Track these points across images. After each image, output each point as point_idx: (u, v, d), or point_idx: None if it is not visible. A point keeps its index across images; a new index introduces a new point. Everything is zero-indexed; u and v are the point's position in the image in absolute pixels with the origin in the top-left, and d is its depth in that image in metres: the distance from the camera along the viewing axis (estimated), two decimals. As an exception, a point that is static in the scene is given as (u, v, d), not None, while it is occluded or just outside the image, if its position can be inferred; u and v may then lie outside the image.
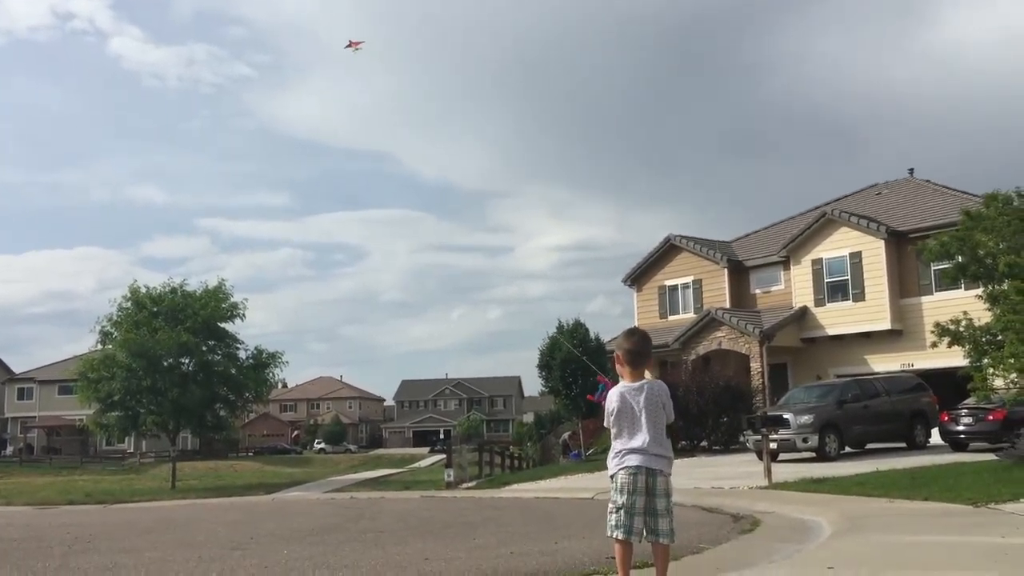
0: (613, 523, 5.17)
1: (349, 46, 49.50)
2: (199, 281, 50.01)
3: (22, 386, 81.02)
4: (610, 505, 5.24)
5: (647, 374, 5.54)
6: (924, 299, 28.76)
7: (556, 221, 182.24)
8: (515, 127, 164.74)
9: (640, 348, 5.42)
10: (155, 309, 38.43)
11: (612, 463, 5.32)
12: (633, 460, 5.18)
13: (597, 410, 35.19)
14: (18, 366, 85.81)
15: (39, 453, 72.24)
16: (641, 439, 5.19)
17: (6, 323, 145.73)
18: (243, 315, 40.00)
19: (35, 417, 78.15)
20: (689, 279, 34.84)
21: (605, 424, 5.51)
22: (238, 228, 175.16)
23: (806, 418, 20.62)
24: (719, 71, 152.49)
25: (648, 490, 5.13)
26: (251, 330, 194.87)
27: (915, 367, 27.38)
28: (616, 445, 5.33)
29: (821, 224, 30.93)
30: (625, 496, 5.13)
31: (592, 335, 38.45)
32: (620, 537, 5.13)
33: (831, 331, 30.48)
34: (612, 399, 5.35)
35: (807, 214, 34.25)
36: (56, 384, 76.05)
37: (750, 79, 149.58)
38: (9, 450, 75.60)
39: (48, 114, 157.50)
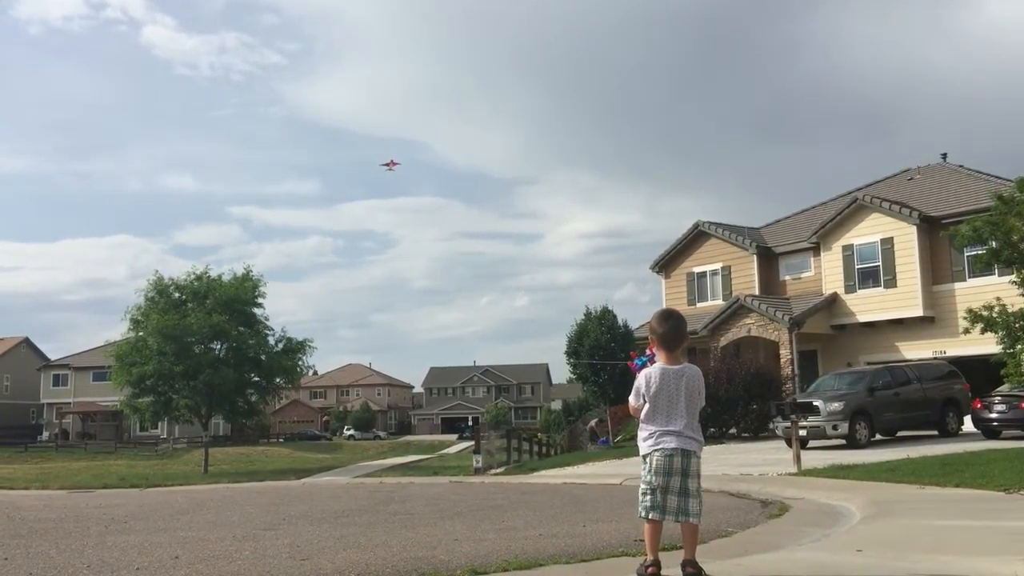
0: (648, 504, 5.15)
1: (386, 164, 52.90)
2: (229, 269, 50.52)
3: (57, 373, 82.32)
4: (643, 486, 5.21)
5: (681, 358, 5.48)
6: (957, 285, 28.46)
7: (585, 208, 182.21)
8: (543, 113, 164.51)
9: (676, 331, 5.38)
10: (181, 296, 38.81)
11: (645, 444, 5.26)
12: (671, 442, 5.16)
13: (625, 395, 35.22)
14: (53, 353, 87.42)
15: (74, 438, 73.43)
16: (680, 422, 5.19)
17: (41, 310, 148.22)
18: (263, 294, 40.22)
19: (70, 403, 79.40)
20: (718, 266, 34.70)
21: (632, 402, 5.42)
22: (269, 216, 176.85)
23: (836, 405, 20.52)
24: (749, 53, 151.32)
25: (683, 471, 5.12)
26: (281, 318, 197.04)
27: (947, 354, 27.15)
28: (650, 426, 5.28)
29: (852, 210, 30.66)
30: (660, 477, 5.11)
31: (620, 322, 38.36)
32: (654, 518, 5.12)
33: (862, 318, 30.26)
34: (653, 377, 5.28)
35: (838, 200, 33.98)
36: (90, 371, 77.26)
37: (780, 62, 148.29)
38: (45, 435, 76.92)
39: (81, 103, 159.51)
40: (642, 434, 5.31)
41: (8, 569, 7.10)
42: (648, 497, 5.15)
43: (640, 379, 5.34)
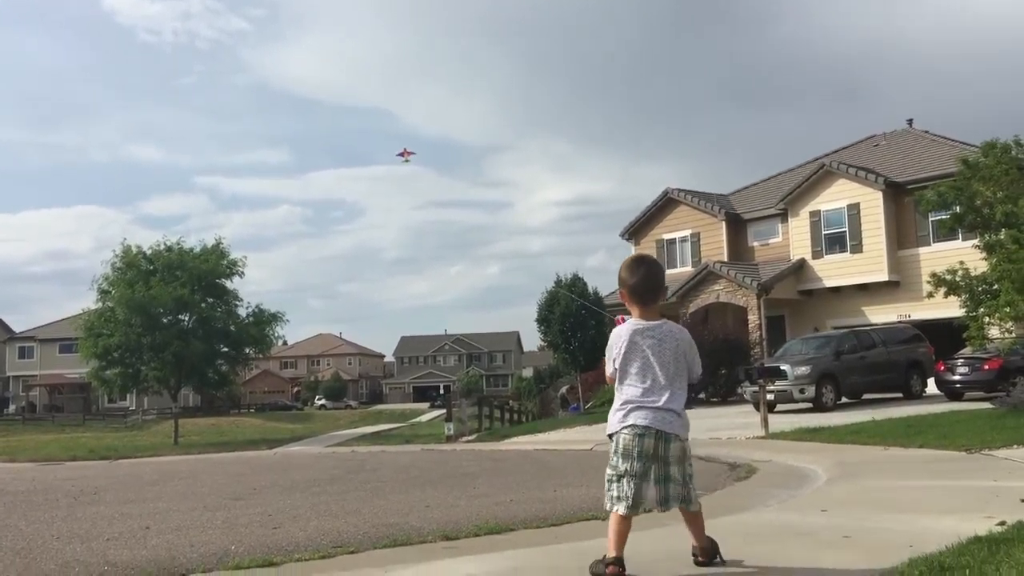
0: (615, 494, 4.16)
1: (401, 154, 52.89)
2: (198, 240, 49.96)
3: (23, 345, 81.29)
4: (608, 471, 4.22)
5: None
6: (922, 250, 28.80)
7: (557, 175, 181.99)
8: (516, 81, 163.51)
9: (651, 280, 4.37)
10: (151, 268, 38.38)
11: (614, 419, 4.29)
12: (641, 418, 4.18)
13: (596, 363, 35.38)
14: (18, 325, 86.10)
15: (41, 411, 72.69)
16: (659, 394, 4.21)
17: (5, 282, 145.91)
18: (242, 273, 39.99)
19: (36, 376, 78.50)
20: (687, 232, 34.84)
21: (608, 370, 4.44)
22: (236, 186, 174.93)
23: (803, 369, 20.78)
24: (721, 20, 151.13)
25: (660, 456, 4.15)
26: (251, 287, 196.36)
27: (912, 318, 27.51)
28: (619, 397, 4.32)
29: (819, 176, 30.86)
30: (628, 462, 4.14)
31: (591, 289, 38.45)
32: (621, 512, 4.12)
33: (829, 283, 30.57)
34: (618, 339, 4.34)
35: (805, 166, 34.17)
36: (57, 343, 76.33)
37: (752, 28, 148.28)
38: (12, 408, 76.07)
39: (42, 71, 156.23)
40: (613, 407, 4.37)
41: (-25, 542, 7.05)
42: (615, 485, 4.18)
43: (610, 339, 4.42)
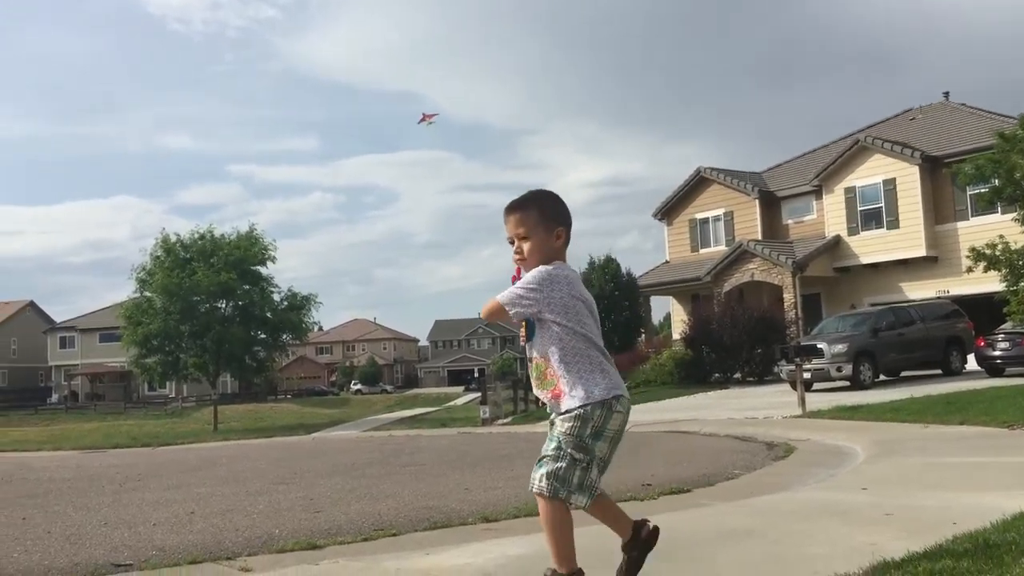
0: (575, 482, 3.20)
1: (423, 120, 50.49)
2: (231, 227, 50.36)
3: (64, 335, 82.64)
4: (574, 452, 3.21)
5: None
6: (960, 224, 28.38)
7: (587, 157, 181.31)
8: (545, 63, 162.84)
9: (556, 206, 3.51)
10: (187, 256, 38.80)
11: (582, 392, 3.25)
12: (622, 387, 3.37)
13: (630, 345, 35.34)
14: (59, 315, 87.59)
15: (83, 400, 73.97)
16: (608, 357, 3.38)
17: (46, 273, 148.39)
18: (273, 258, 40.25)
19: (77, 365, 79.84)
20: (720, 211, 34.58)
21: (515, 312, 3.36)
22: (269, 174, 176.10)
23: (840, 347, 20.62)
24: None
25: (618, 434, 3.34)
26: (287, 274, 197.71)
27: (951, 293, 27.17)
28: (585, 363, 3.30)
29: (854, 151, 30.47)
30: (606, 445, 3.27)
31: (624, 270, 38.42)
32: (581, 506, 3.27)
33: (865, 260, 30.23)
34: (571, 283, 3.35)
35: (839, 142, 33.75)
36: (97, 332, 77.53)
37: (783, 3, 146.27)
38: (55, 398, 77.49)
39: (75, 63, 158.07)
40: (569, 375, 3.29)
41: (27, 528, 7.22)
42: (578, 473, 3.23)
43: (557, 284, 3.32)
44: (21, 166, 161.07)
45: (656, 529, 3.52)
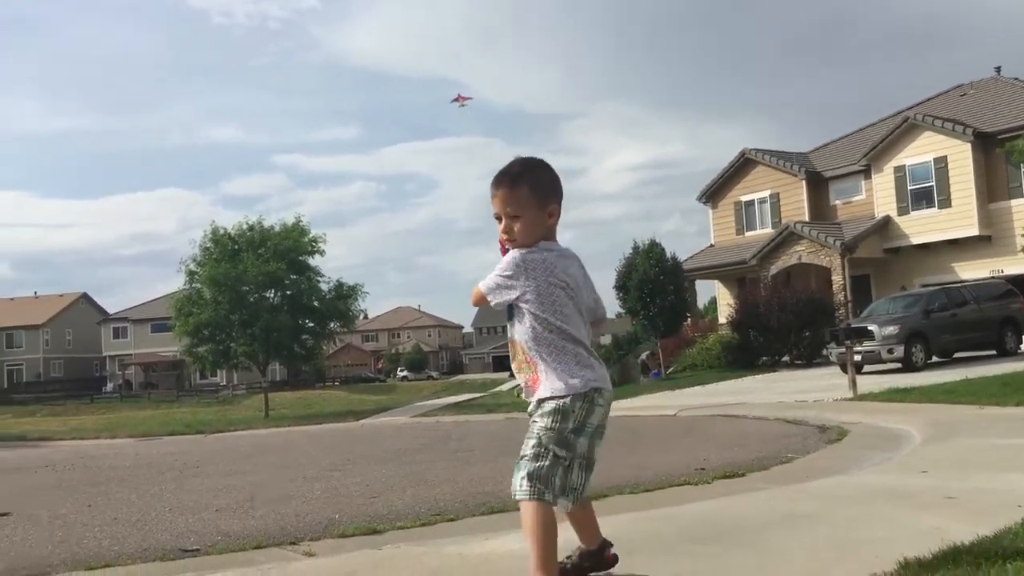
0: (560, 484, 3.00)
1: (456, 100, 50.77)
2: (277, 218, 50.89)
3: (117, 326, 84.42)
4: (556, 449, 2.99)
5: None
6: (1014, 202, 27.84)
7: (628, 140, 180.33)
8: (584, 46, 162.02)
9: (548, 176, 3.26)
10: (235, 247, 39.31)
11: (559, 383, 3.02)
12: (605, 380, 3.13)
13: (676, 329, 35.13)
14: (111, 307, 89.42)
15: (137, 389, 75.54)
16: (589, 346, 3.14)
17: (97, 266, 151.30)
18: (323, 250, 40.67)
19: (131, 355, 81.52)
20: (766, 193, 34.23)
21: (495, 303, 3.11)
22: (312, 164, 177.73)
23: (891, 329, 20.35)
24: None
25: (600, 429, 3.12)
26: (332, 263, 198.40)
27: (1005, 273, 26.67)
28: (559, 354, 3.06)
29: (904, 129, 29.96)
30: (587, 440, 3.06)
31: (669, 254, 38.13)
32: (568, 509, 3.12)
33: (916, 240, 29.76)
34: (549, 268, 3.10)
35: (888, 120, 33.20)
36: (149, 323, 79.06)
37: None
38: (109, 387, 79.20)
39: (121, 57, 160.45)
40: (548, 362, 3.07)
41: (93, 515, 7.42)
42: (560, 471, 3.01)
43: (537, 265, 3.10)
44: (68, 160, 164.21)
45: (616, 558, 3.37)
